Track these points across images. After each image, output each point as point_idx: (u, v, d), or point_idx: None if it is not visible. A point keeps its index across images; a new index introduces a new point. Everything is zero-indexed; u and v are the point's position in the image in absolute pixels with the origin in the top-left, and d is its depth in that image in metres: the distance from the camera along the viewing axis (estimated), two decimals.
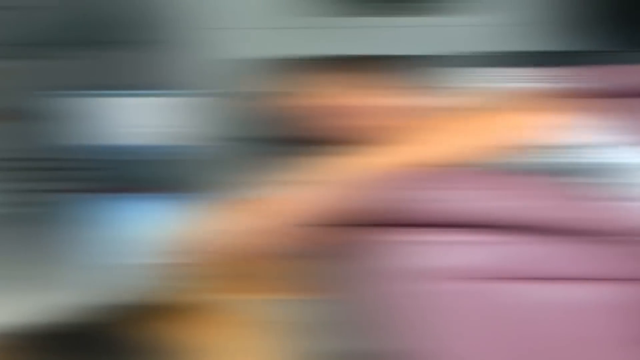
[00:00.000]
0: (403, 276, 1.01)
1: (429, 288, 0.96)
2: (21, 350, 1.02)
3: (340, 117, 1.30)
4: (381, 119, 1.25)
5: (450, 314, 0.95)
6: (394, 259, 1.06)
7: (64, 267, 1.27)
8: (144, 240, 1.13)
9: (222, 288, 1.01)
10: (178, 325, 1.02)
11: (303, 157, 1.31)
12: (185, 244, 1.02)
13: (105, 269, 1.20)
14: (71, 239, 1.44)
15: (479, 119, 1.07)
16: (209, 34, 5.01)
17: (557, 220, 0.96)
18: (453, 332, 0.96)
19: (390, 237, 1.11)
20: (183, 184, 1.49)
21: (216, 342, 1.01)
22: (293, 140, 1.35)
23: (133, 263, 1.09)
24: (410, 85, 1.32)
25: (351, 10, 2.46)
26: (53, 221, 1.60)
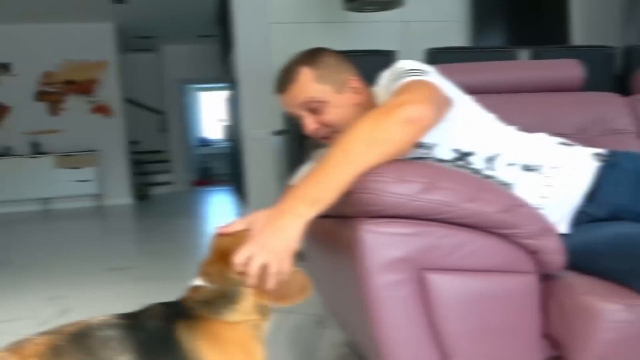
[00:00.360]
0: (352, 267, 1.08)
1: (370, 278, 1.03)
2: None
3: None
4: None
5: (388, 303, 1.03)
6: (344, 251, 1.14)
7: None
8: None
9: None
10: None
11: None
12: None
13: None
14: None
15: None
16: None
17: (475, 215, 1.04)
18: (392, 321, 1.04)
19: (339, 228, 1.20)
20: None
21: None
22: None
23: None
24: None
25: None
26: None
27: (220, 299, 1.01)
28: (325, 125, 1.34)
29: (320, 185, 0.99)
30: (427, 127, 1.06)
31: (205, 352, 0.97)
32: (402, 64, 1.27)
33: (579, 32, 5.49)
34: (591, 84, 1.91)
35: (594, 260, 1.11)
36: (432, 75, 1.22)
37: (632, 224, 1.16)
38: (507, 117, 1.38)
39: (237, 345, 1.01)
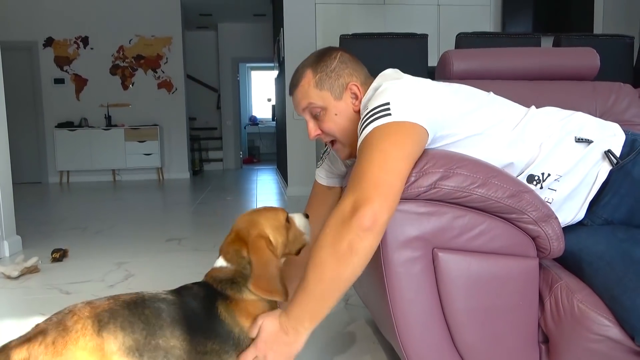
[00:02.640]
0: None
1: (388, 254, 1.09)
2: None
3: None
4: None
5: (403, 279, 1.09)
6: None
7: None
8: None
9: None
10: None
11: None
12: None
13: None
14: None
15: None
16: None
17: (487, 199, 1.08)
18: (406, 295, 1.09)
19: None
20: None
21: None
22: None
23: None
24: None
25: None
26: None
27: (241, 279, 1.10)
28: (326, 133, 1.31)
29: (311, 309, 1.05)
30: (385, 223, 0.99)
31: (245, 326, 1.07)
32: (377, 88, 1.17)
33: (603, 20, 5.37)
34: (609, 73, 1.86)
35: (580, 269, 1.10)
36: (402, 100, 1.09)
37: (621, 234, 1.12)
38: (522, 104, 1.34)
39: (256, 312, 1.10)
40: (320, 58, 1.30)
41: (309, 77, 1.28)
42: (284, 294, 1.10)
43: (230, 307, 1.07)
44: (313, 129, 1.32)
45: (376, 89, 1.18)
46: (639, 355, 1.01)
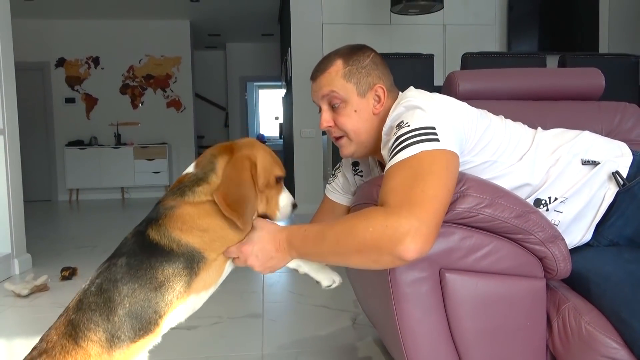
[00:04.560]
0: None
1: (396, 275, 1.09)
2: None
3: None
4: None
5: (410, 299, 1.09)
6: None
7: None
8: None
9: None
10: None
11: None
12: None
13: None
14: None
15: None
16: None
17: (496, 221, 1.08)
18: (413, 315, 1.08)
19: None
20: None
21: None
22: None
23: None
24: None
25: None
26: None
27: (190, 182, 1.09)
28: (338, 127, 1.29)
29: (310, 250, 1.07)
30: (417, 259, 0.96)
31: (182, 238, 1.03)
32: (415, 106, 1.12)
33: (609, 39, 5.42)
34: (615, 93, 1.87)
35: (588, 290, 1.09)
36: (446, 127, 1.06)
37: (627, 254, 1.12)
38: (527, 125, 1.35)
39: (208, 218, 1.06)
40: (353, 52, 1.28)
41: (338, 66, 1.26)
42: (244, 221, 1.05)
43: (161, 227, 1.04)
44: (327, 119, 1.29)
45: (409, 103, 1.15)
46: None
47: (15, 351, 1.95)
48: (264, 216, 1.17)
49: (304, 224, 1.12)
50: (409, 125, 1.07)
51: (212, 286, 1.10)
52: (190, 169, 1.13)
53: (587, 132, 1.31)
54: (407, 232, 0.92)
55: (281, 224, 1.17)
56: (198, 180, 1.09)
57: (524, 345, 1.10)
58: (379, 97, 1.27)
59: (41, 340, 0.99)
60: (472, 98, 1.72)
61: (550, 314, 1.11)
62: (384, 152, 1.17)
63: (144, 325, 1.00)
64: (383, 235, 0.94)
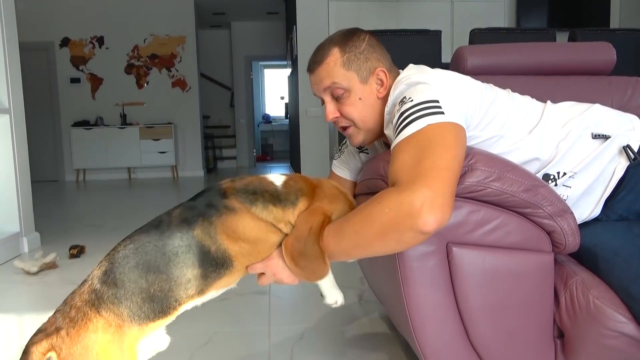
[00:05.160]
0: None
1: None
2: None
3: None
4: None
5: (417, 273, 1.09)
6: None
7: None
8: None
9: None
10: None
11: None
12: None
13: None
14: None
15: None
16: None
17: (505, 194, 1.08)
18: (420, 290, 1.09)
19: None
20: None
21: None
22: None
23: None
24: None
25: None
26: None
27: (268, 195, 1.06)
28: (344, 117, 1.26)
29: (333, 249, 1.02)
30: (438, 230, 0.94)
31: (224, 242, 1.03)
32: (417, 82, 1.11)
33: (620, 14, 5.31)
34: (626, 68, 1.84)
35: (596, 265, 1.09)
36: (450, 100, 1.05)
37: (636, 229, 1.11)
38: (537, 100, 1.33)
39: (258, 233, 1.06)
40: (348, 37, 1.24)
41: (336, 55, 1.22)
42: (299, 272, 1.05)
43: (211, 226, 1.03)
44: (332, 111, 1.26)
45: (411, 80, 1.13)
46: None
47: (25, 326, 1.98)
48: None
49: None
50: (412, 100, 1.06)
51: (232, 284, 1.11)
52: (276, 181, 1.11)
53: (597, 105, 1.29)
54: (422, 204, 0.90)
55: None
56: (275, 199, 1.07)
57: (531, 319, 1.10)
58: (381, 80, 1.24)
59: (65, 303, 1.01)
60: (481, 73, 1.69)
61: (558, 288, 1.10)
62: (388, 132, 1.16)
63: (163, 309, 1.02)
64: (399, 213, 0.92)
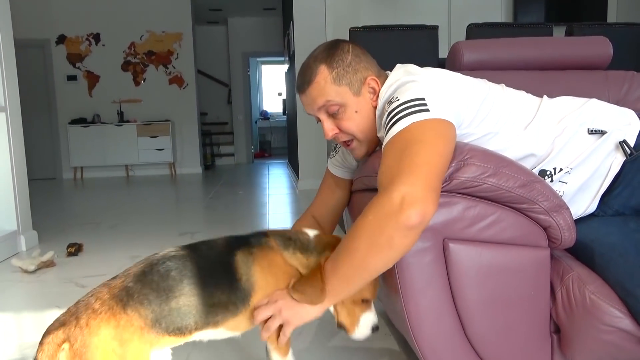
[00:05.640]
0: None
1: None
2: None
3: None
4: None
5: (413, 269, 1.08)
6: None
7: None
8: None
9: None
10: None
11: None
12: None
13: None
14: None
15: None
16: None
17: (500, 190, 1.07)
18: (416, 286, 1.08)
19: None
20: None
21: None
22: None
23: None
24: None
25: None
26: None
27: (299, 244, 1.17)
28: (344, 132, 1.25)
29: (335, 283, 1.05)
30: (429, 222, 0.96)
31: (255, 276, 1.10)
32: (404, 82, 1.12)
33: (617, 9, 5.32)
34: (623, 62, 1.84)
35: (592, 260, 1.09)
36: (437, 97, 1.05)
37: (633, 224, 1.11)
38: (533, 95, 1.33)
39: (283, 273, 1.14)
40: (332, 52, 1.22)
41: (324, 73, 1.20)
42: (298, 295, 1.11)
43: (250, 256, 1.11)
44: (330, 128, 1.25)
45: (399, 81, 1.13)
46: None
47: (23, 324, 1.98)
48: (340, 325, 1.22)
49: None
50: (398, 100, 1.07)
51: (237, 332, 1.15)
52: (310, 233, 1.22)
53: (594, 100, 1.29)
54: (401, 201, 0.92)
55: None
56: (305, 249, 1.18)
57: (527, 314, 1.10)
58: (373, 88, 1.23)
59: (91, 294, 1.02)
60: (478, 68, 1.69)
61: (554, 283, 1.10)
62: (381, 135, 1.16)
63: (181, 327, 1.04)
64: (381, 214, 0.94)
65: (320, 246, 1.18)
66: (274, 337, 1.14)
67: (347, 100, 1.21)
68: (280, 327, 1.13)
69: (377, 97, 1.22)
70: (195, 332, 1.07)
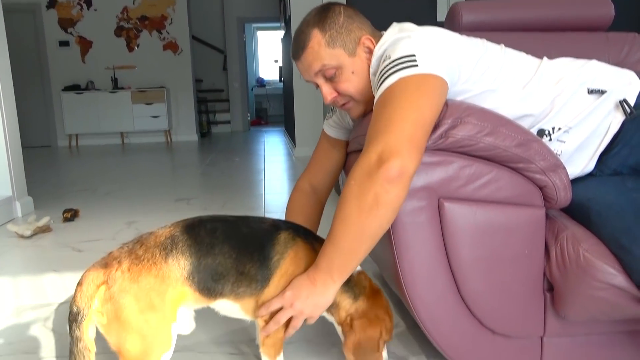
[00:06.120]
0: None
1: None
2: None
3: None
4: None
5: (409, 228, 1.09)
6: None
7: None
8: None
9: None
10: None
11: None
12: None
13: None
14: None
15: None
16: None
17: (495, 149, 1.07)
18: (411, 245, 1.09)
19: None
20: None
21: None
22: None
23: None
24: None
25: None
26: None
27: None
28: (342, 94, 1.24)
29: (338, 263, 1.04)
30: (412, 174, 0.96)
31: (286, 263, 1.10)
32: (397, 39, 1.10)
33: None
34: (624, 24, 1.80)
35: (588, 218, 1.08)
36: (428, 52, 1.04)
37: (630, 183, 1.11)
38: (533, 56, 1.29)
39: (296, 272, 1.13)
40: (324, 15, 1.21)
41: (317, 37, 1.19)
42: None
43: (292, 241, 1.11)
44: (329, 92, 1.24)
45: (392, 39, 1.12)
46: None
47: (20, 288, 1.99)
48: None
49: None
50: (389, 57, 1.06)
51: (249, 316, 1.15)
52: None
53: (594, 61, 1.27)
54: (378, 157, 0.94)
55: None
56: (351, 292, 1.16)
57: (521, 273, 1.11)
58: (368, 47, 1.21)
59: (137, 240, 1.04)
60: (477, 30, 1.66)
61: (549, 242, 1.11)
62: (376, 93, 1.14)
63: (210, 288, 1.05)
64: (362, 175, 0.96)
65: (358, 289, 1.16)
66: (270, 337, 1.14)
67: (343, 62, 1.20)
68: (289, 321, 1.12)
69: (372, 54, 1.20)
70: (219, 299, 1.08)
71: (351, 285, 1.15)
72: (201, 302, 1.08)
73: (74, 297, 0.97)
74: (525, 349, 1.18)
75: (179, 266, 1.01)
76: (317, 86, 1.27)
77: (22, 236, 2.70)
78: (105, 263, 0.99)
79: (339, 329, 1.18)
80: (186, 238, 1.03)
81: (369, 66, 1.21)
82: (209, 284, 1.05)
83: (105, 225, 2.93)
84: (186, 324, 1.11)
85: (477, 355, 1.17)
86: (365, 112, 1.29)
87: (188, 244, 1.03)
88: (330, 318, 1.19)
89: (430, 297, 1.12)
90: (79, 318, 0.95)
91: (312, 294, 1.07)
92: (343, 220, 1.00)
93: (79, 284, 0.98)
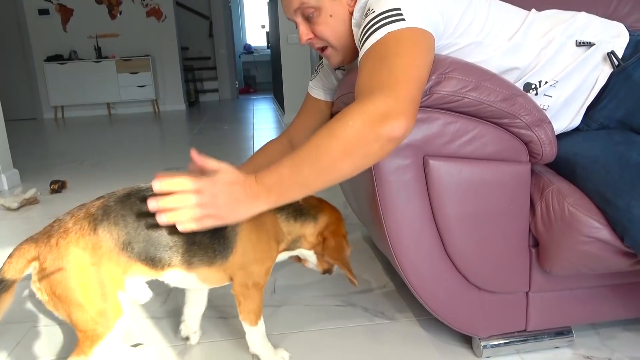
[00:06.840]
0: None
1: (380, 162, 1.07)
2: None
3: None
4: None
5: (394, 186, 1.08)
6: None
7: None
8: None
9: None
10: None
11: None
12: None
13: None
14: None
15: None
16: None
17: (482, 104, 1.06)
18: (397, 203, 1.09)
19: None
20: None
21: None
22: None
23: None
24: None
25: None
26: None
27: (293, 209, 1.19)
28: (318, 37, 1.22)
29: (286, 185, 0.95)
30: (404, 139, 0.93)
31: (243, 232, 1.09)
32: None
33: None
34: None
35: (574, 173, 1.08)
36: (413, 6, 1.00)
37: (617, 137, 1.10)
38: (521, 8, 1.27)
39: (269, 236, 1.14)
40: None
41: None
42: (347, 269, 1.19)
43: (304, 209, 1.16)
44: (305, 32, 1.22)
45: None
46: (626, 255, 1.02)
47: None
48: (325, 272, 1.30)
49: (271, 165, 0.97)
50: (374, 12, 1.02)
51: (208, 284, 1.16)
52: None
53: (583, 13, 1.24)
54: (387, 111, 0.89)
55: None
56: (299, 214, 1.20)
57: (506, 228, 1.11)
58: None
59: (69, 212, 1.01)
60: None
61: (534, 198, 1.11)
62: (359, 46, 1.11)
63: (154, 258, 1.02)
64: (364, 123, 0.89)
65: (313, 210, 1.20)
66: (248, 304, 1.15)
67: (322, 3, 1.17)
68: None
69: (355, 1, 1.17)
70: (168, 269, 1.04)
71: (306, 210, 1.20)
72: (149, 274, 1.05)
73: (1, 269, 0.95)
74: (511, 305, 1.20)
75: (111, 237, 0.97)
76: (297, 26, 1.24)
77: (9, 208, 2.67)
78: (37, 239, 0.97)
79: (312, 256, 1.25)
80: (119, 208, 0.99)
81: (349, 12, 1.18)
82: (153, 254, 1.01)
83: (93, 196, 2.87)
84: (141, 293, 1.08)
85: (464, 311, 1.19)
86: (343, 62, 1.28)
87: (122, 214, 0.98)
88: (299, 252, 1.25)
89: (417, 255, 1.13)
90: (0, 287, 0.94)
91: (236, 199, 0.96)
92: (318, 149, 0.92)
93: (10, 256, 0.96)
